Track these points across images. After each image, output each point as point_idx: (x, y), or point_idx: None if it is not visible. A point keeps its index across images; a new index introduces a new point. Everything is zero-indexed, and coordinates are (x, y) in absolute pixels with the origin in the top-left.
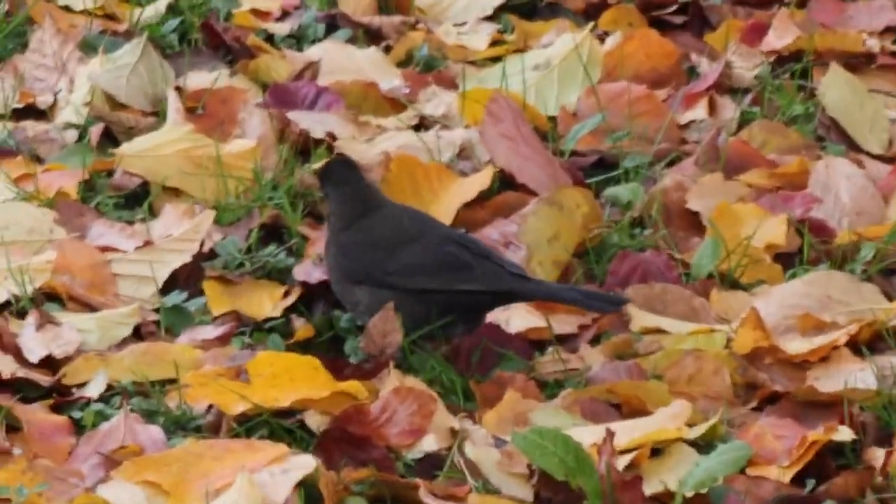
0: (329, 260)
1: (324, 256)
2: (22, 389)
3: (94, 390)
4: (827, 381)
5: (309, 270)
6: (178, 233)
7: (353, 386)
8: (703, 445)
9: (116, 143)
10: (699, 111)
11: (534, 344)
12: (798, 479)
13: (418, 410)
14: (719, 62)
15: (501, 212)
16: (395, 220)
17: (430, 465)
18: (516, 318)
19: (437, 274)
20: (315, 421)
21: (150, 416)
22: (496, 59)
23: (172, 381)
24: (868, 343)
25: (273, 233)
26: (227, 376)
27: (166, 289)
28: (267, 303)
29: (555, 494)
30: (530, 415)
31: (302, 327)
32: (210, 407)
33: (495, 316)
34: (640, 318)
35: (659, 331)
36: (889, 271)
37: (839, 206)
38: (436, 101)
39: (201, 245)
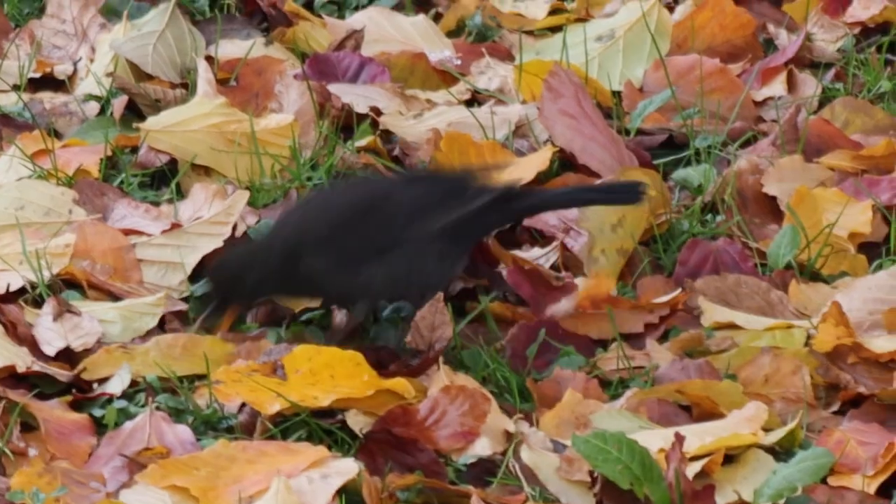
0: (306, 275)
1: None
2: (38, 385)
3: (116, 386)
4: None
5: None
6: (209, 215)
7: (399, 384)
8: (781, 452)
9: (141, 118)
10: (777, 87)
11: (596, 341)
12: (884, 490)
13: (470, 411)
14: (799, 34)
15: None
16: (322, 198)
17: (483, 471)
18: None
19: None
20: (357, 421)
21: (177, 415)
22: (556, 29)
23: (202, 377)
24: None
25: None
26: (261, 372)
27: (195, 276)
28: None
29: None
30: (592, 417)
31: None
32: (243, 405)
33: (554, 309)
34: (712, 313)
35: (732, 326)
36: None
37: None
38: (490, 74)
39: (234, 229)
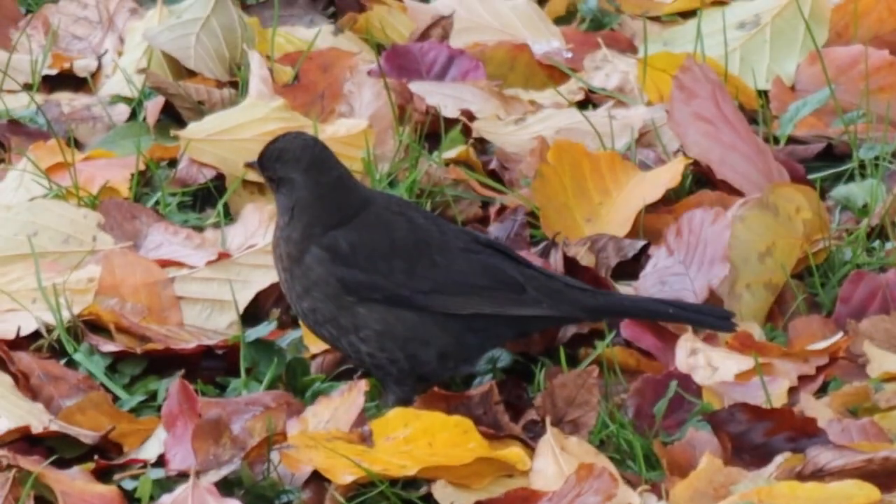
0: (308, 265)
1: (287, 261)
2: (57, 449)
3: (151, 451)
4: None
5: None
6: (264, 242)
7: (512, 455)
8: None
9: (181, 124)
10: None
11: None
12: None
13: (595, 495)
14: None
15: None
16: (405, 217)
17: None
18: (715, 361)
19: (490, 294)
20: (446, 494)
21: (226, 487)
22: (688, 15)
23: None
24: None
25: None
26: (345, 439)
27: (248, 317)
28: None
29: None
30: (733, 488)
31: None
32: (310, 474)
33: (687, 361)
34: (881, 361)
35: None
36: None
37: None
38: (607, 70)
39: None
